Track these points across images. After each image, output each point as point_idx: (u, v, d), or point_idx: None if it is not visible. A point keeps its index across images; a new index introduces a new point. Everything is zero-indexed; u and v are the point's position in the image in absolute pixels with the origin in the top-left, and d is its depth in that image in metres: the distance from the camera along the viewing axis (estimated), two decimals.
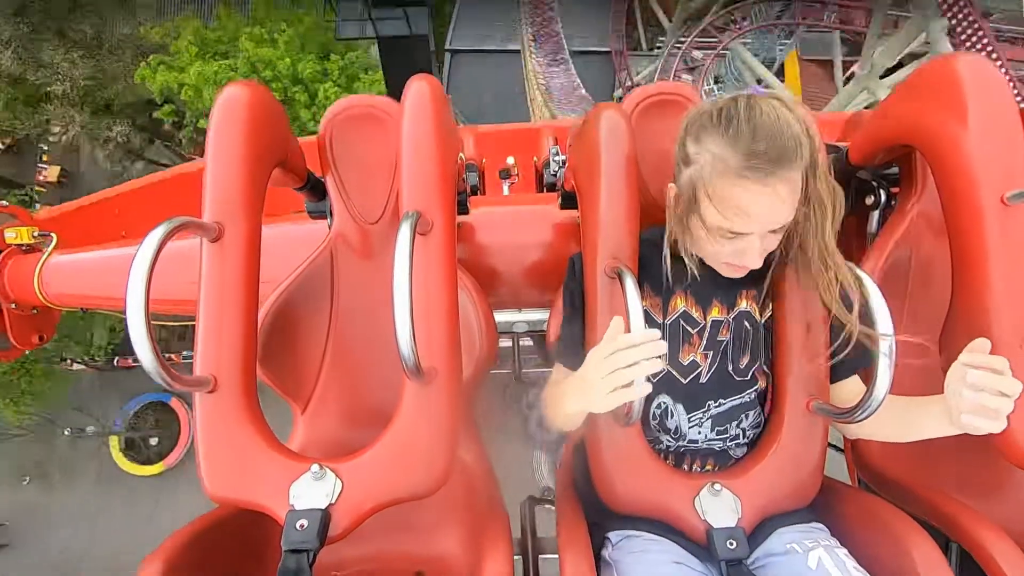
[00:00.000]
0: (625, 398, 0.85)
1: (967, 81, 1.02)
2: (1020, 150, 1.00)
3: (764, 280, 1.08)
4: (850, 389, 1.10)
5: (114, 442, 13.50)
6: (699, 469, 1.12)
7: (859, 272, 0.98)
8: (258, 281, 1.09)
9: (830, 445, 1.15)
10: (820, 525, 1.06)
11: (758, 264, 0.97)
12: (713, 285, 1.09)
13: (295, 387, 1.36)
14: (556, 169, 2.00)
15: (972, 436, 0.89)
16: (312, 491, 0.96)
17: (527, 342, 2.35)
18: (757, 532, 1.03)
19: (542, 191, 2.29)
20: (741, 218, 0.91)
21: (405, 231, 0.94)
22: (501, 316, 1.78)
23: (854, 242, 1.44)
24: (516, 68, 15.72)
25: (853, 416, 0.94)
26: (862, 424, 0.98)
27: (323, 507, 0.94)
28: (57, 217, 2.46)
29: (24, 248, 2.19)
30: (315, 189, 1.44)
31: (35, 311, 2.28)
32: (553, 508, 1.24)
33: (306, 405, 1.36)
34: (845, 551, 0.98)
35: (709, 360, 1.09)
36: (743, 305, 1.10)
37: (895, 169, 1.35)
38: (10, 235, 2.18)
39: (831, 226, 0.98)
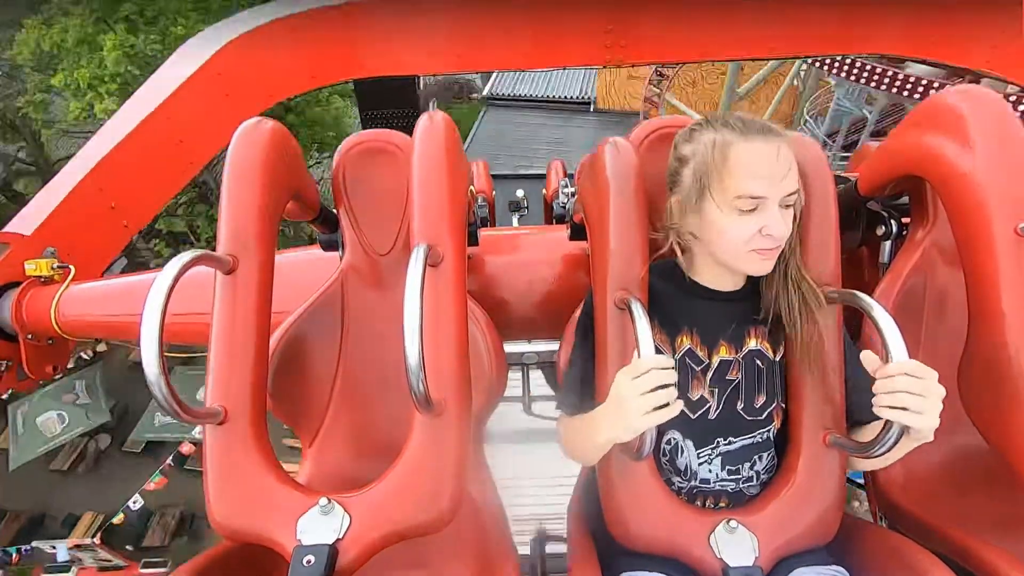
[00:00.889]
0: (662, 417, 0.84)
1: (975, 112, 1.02)
2: None
3: (775, 318, 1.07)
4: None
5: None
6: (712, 507, 1.09)
7: (867, 300, 0.97)
8: (270, 313, 1.10)
9: (851, 481, 1.12)
10: (840, 568, 1.02)
11: (785, 232, 0.95)
12: (719, 324, 1.08)
13: (303, 418, 1.35)
14: (565, 201, 2.03)
15: (1000, 470, 0.86)
16: (319, 526, 0.95)
17: (537, 373, 2.34)
18: (775, 572, 1.00)
19: (552, 223, 2.32)
20: (753, 179, 0.94)
21: (416, 263, 0.95)
22: (511, 347, 1.77)
23: (867, 273, 1.43)
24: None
25: (871, 451, 0.92)
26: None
27: (330, 542, 0.93)
28: (46, 227, 2.34)
29: (43, 280, 2.23)
30: (327, 221, 1.46)
31: (50, 342, 2.32)
32: (564, 544, 1.21)
33: (314, 436, 1.35)
34: None
35: (717, 396, 1.08)
36: (752, 344, 1.08)
37: (905, 199, 1.35)
38: (30, 267, 2.23)
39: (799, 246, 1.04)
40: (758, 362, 1.08)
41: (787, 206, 0.97)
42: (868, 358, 0.88)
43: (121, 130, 2.41)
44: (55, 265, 2.28)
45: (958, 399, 1.04)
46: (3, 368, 2.24)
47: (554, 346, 1.57)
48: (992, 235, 0.99)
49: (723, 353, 1.08)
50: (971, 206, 1.02)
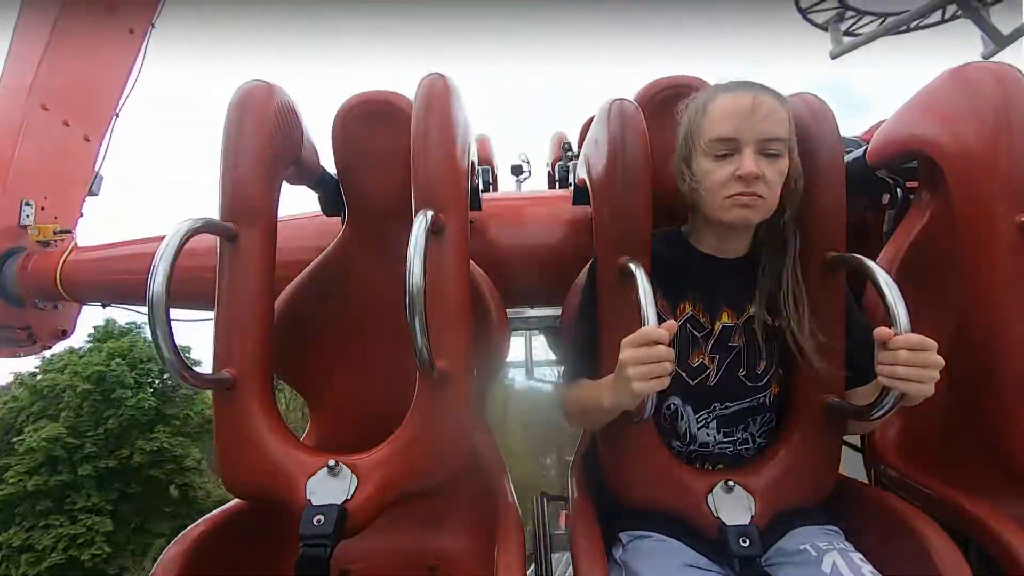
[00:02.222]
0: (659, 386, 0.86)
1: (989, 95, 0.99)
2: None
3: (774, 282, 1.07)
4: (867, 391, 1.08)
5: None
6: (711, 469, 1.11)
7: (871, 264, 0.97)
8: (274, 279, 1.10)
9: (846, 444, 1.14)
10: (835, 528, 1.05)
11: (758, 178, 0.96)
12: (722, 290, 1.09)
13: (308, 382, 1.37)
14: (568, 165, 2.00)
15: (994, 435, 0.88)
16: (328, 486, 0.98)
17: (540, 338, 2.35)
18: (771, 531, 1.02)
19: (555, 188, 2.29)
20: (725, 122, 0.98)
21: (418, 231, 0.94)
22: (514, 312, 1.78)
23: (872, 238, 1.42)
24: None
25: (870, 415, 0.93)
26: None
27: (339, 502, 0.96)
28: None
29: (46, 245, 2.23)
30: (328, 184, 1.45)
31: (57, 307, 2.34)
32: (566, 505, 1.24)
33: (320, 399, 1.37)
34: (860, 555, 0.96)
35: (717, 363, 1.08)
36: (753, 310, 1.08)
37: (914, 163, 1.32)
38: (33, 232, 2.23)
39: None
40: (756, 328, 1.08)
41: (769, 154, 0.97)
42: (880, 334, 0.88)
43: None
44: (57, 230, 2.28)
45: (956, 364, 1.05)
46: (12, 334, 2.26)
47: (556, 311, 1.57)
48: (994, 226, 0.99)
49: (725, 319, 1.08)
50: (976, 192, 1.01)
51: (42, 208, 2.30)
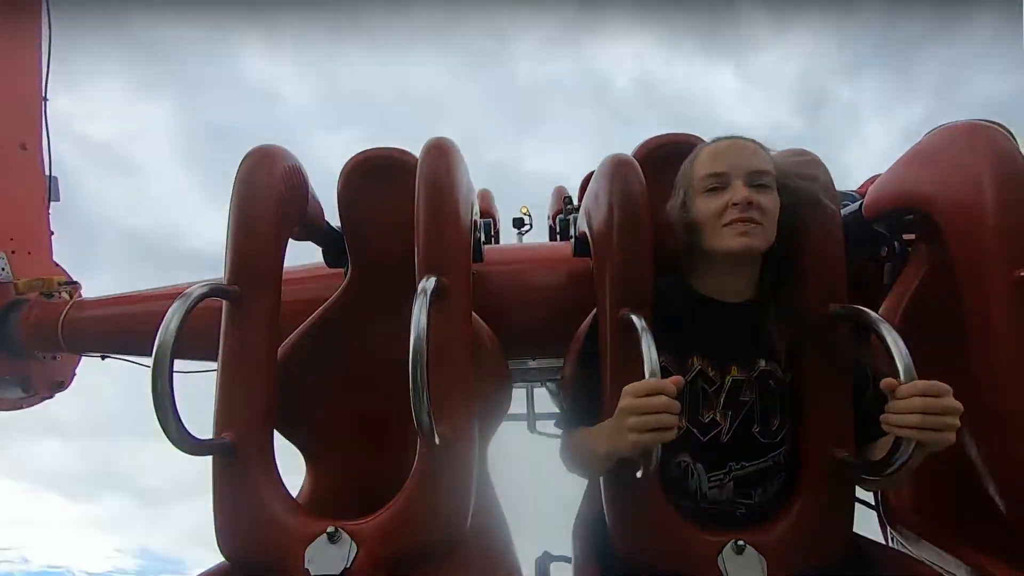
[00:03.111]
0: (657, 439, 0.84)
1: (983, 152, 1.02)
2: None
3: (781, 336, 1.07)
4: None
5: None
6: (724, 528, 1.07)
7: (872, 314, 0.97)
8: (277, 342, 1.11)
9: (859, 500, 1.10)
10: None
11: (748, 204, 1.00)
12: (729, 343, 1.08)
13: (305, 435, 1.34)
14: (568, 217, 2.03)
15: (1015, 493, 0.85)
16: (327, 555, 0.95)
17: (541, 391, 2.32)
18: None
19: (556, 240, 2.31)
20: (714, 161, 1.07)
21: (422, 297, 0.96)
22: (515, 364, 1.76)
23: (872, 292, 1.42)
24: None
25: (885, 470, 0.91)
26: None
27: (338, 572, 0.94)
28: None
29: (48, 296, 2.24)
30: (331, 237, 1.47)
31: (56, 358, 2.32)
32: (569, 564, 1.19)
33: (317, 455, 1.34)
34: None
35: (730, 420, 1.06)
36: (763, 364, 1.07)
37: (910, 216, 1.34)
38: (36, 284, 2.24)
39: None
40: (771, 382, 1.07)
41: (758, 185, 1.03)
42: (887, 384, 0.87)
43: None
44: (61, 281, 2.30)
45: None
46: (16, 384, 2.24)
47: (558, 362, 1.56)
48: (993, 280, 1.00)
49: (735, 373, 1.07)
50: (973, 248, 1.02)
51: (12, 252, 2.15)
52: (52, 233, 2.40)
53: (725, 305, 1.10)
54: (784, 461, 1.08)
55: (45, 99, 2.37)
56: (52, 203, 2.39)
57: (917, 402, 0.82)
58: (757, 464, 1.06)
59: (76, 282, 2.38)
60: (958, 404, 0.82)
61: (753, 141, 1.09)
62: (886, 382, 0.86)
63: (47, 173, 2.36)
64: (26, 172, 2.29)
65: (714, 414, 1.06)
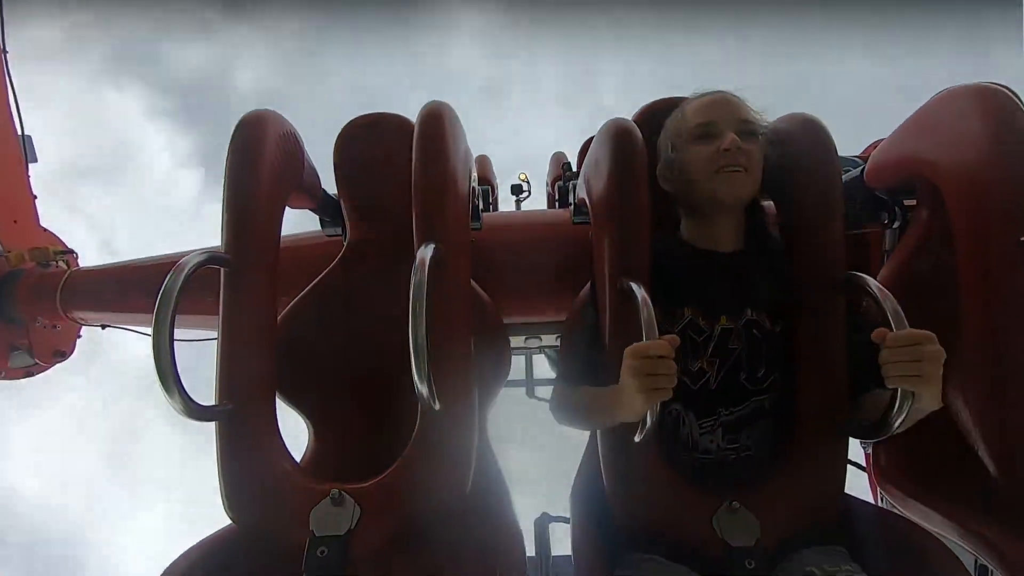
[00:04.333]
0: (663, 396, 0.86)
1: (986, 116, 1.00)
2: None
3: (775, 294, 1.09)
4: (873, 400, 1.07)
5: None
6: (717, 478, 1.10)
7: (870, 280, 0.97)
8: (276, 309, 1.11)
9: (850, 462, 1.13)
10: (842, 548, 1.03)
11: (740, 150, 1.03)
12: (722, 294, 1.09)
13: (308, 401, 1.36)
14: (567, 184, 2.01)
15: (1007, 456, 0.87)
16: (332, 517, 0.97)
17: (540, 357, 2.34)
18: (777, 552, 1.01)
19: (554, 207, 2.30)
20: (702, 112, 1.09)
21: (421, 264, 0.95)
22: (514, 330, 1.77)
23: (871, 258, 1.42)
24: None
25: (880, 431, 0.92)
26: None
27: (342, 533, 0.96)
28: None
29: (45, 266, 2.23)
30: (328, 204, 1.46)
31: (56, 327, 2.33)
32: (567, 525, 1.22)
33: (320, 419, 1.36)
34: None
35: (717, 367, 1.08)
36: (750, 314, 1.09)
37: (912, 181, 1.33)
38: (34, 254, 2.23)
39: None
40: (755, 332, 1.09)
41: (746, 133, 1.05)
42: (878, 334, 0.88)
43: None
44: (57, 251, 2.28)
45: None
46: (22, 353, 2.25)
47: (557, 328, 1.57)
48: (994, 246, 1.00)
49: (724, 322, 1.09)
50: (974, 213, 1.02)
51: None
52: (35, 197, 2.28)
53: (715, 255, 1.11)
54: (769, 407, 1.10)
55: (5, 51, 2.20)
56: (31, 164, 2.25)
57: (906, 351, 0.84)
58: (743, 409, 1.09)
59: (71, 250, 2.37)
60: (940, 349, 0.84)
61: (735, 94, 1.12)
62: (877, 332, 0.87)
63: (19, 132, 2.19)
64: None
65: (703, 363, 1.08)
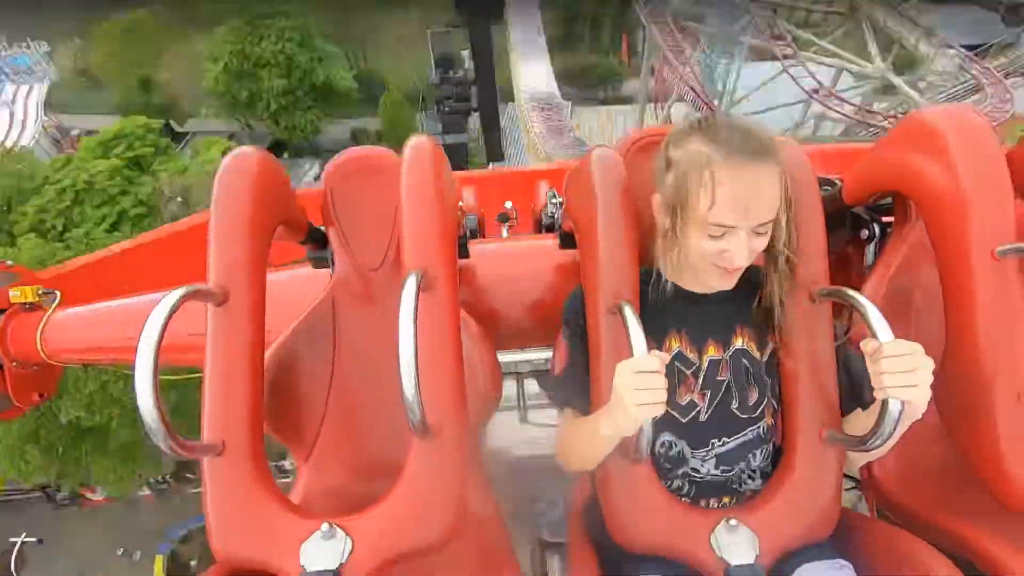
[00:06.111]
0: (656, 411, 0.87)
1: (956, 135, 1.05)
2: (1009, 204, 1.03)
3: (760, 317, 1.10)
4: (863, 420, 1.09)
5: (158, 563, 14.12)
6: (716, 506, 1.10)
7: (854, 294, 0.99)
8: (264, 342, 1.11)
9: (845, 476, 1.13)
10: (843, 561, 1.03)
11: (745, 262, 0.98)
12: (707, 325, 1.10)
13: (297, 436, 1.34)
14: (553, 211, 2.04)
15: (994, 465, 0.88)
16: (322, 551, 0.96)
17: (532, 382, 2.33)
18: (778, 569, 1.00)
19: (540, 233, 2.32)
20: (726, 210, 0.94)
21: (409, 291, 0.96)
22: (505, 357, 1.77)
23: (854, 273, 1.45)
24: None
25: (868, 443, 0.93)
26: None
27: (334, 568, 0.94)
28: (62, 275, 2.45)
29: (28, 306, 2.20)
30: (316, 238, 1.46)
31: (36, 368, 2.28)
32: (564, 550, 1.21)
33: (309, 453, 1.34)
34: None
35: (708, 399, 1.09)
36: (739, 343, 1.10)
37: (889, 199, 1.38)
38: (14, 294, 2.19)
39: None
40: (745, 361, 1.10)
41: (759, 233, 0.98)
42: (867, 345, 0.90)
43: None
44: (41, 291, 2.25)
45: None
46: None
47: (547, 353, 1.57)
48: (971, 258, 1.03)
49: (711, 353, 1.09)
50: (950, 229, 1.05)
51: None
52: None
53: (706, 297, 1.11)
54: (764, 434, 1.10)
55: None
56: None
57: (895, 362, 0.86)
58: (737, 439, 1.09)
59: (53, 292, 2.34)
60: (930, 360, 0.86)
61: (769, 162, 0.95)
62: (866, 344, 0.89)
63: None
64: None
65: (692, 395, 1.09)
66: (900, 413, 0.88)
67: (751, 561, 0.97)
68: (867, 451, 0.97)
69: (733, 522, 1.01)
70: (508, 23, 26.27)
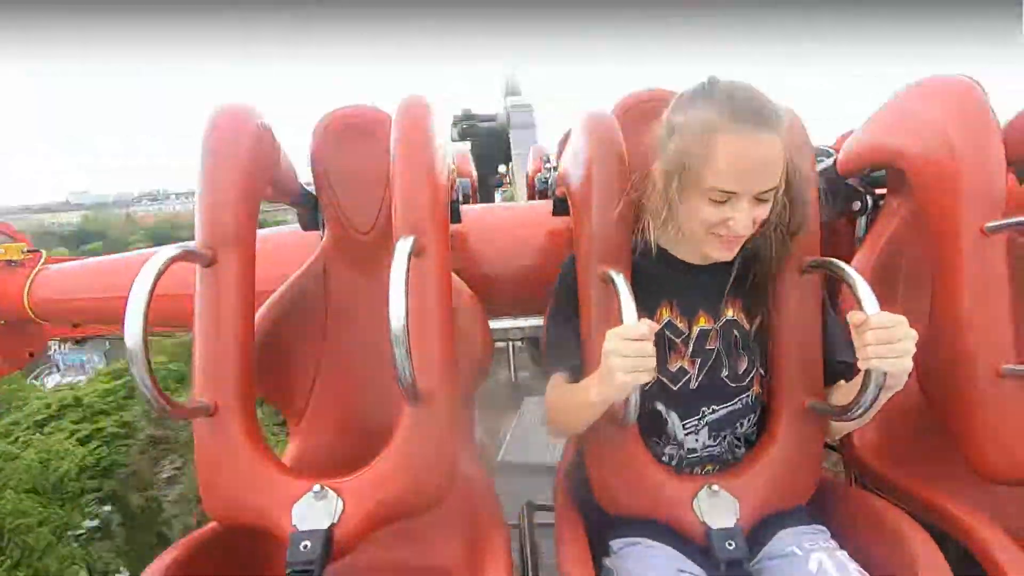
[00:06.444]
0: (644, 378, 0.87)
1: (953, 107, 1.03)
2: (1001, 179, 1.03)
3: (750, 288, 1.10)
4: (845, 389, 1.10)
5: None
6: (700, 472, 1.12)
7: (843, 266, 1.00)
8: (253, 303, 1.10)
9: (826, 445, 1.16)
10: (820, 527, 1.06)
11: (746, 231, 0.96)
12: (698, 295, 1.10)
13: (289, 398, 1.35)
14: (547, 176, 2.02)
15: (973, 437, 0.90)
16: (314, 511, 0.97)
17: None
18: (757, 533, 1.03)
19: (535, 199, 2.30)
20: (728, 177, 0.92)
21: (400, 256, 0.95)
22: (496, 323, 1.78)
23: (844, 245, 1.46)
24: None
25: (850, 413, 0.95)
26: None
27: (325, 527, 0.95)
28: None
29: (14, 263, 2.17)
30: (306, 200, 1.44)
31: (25, 328, 2.27)
32: (552, 512, 1.23)
33: (301, 416, 1.35)
34: (845, 553, 0.98)
35: (698, 367, 1.10)
36: (729, 314, 1.10)
37: (883, 171, 1.37)
38: None
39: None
40: (735, 331, 1.10)
41: (762, 200, 0.95)
42: (854, 317, 0.90)
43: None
44: (25, 249, 2.22)
45: None
46: None
47: (539, 320, 1.57)
48: (961, 233, 1.03)
49: (702, 323, 1.10)
50: (941, 203, 1.05)
51: None
52: None
53: (696, 267, 1.11)
54: (752, 403, 1.12)
55: None
56: None
57: (879, 333, 0.86)
58: (727, 407, 1.10)
59: (39, 250, 2.31)
60: (912, 331, 0.86)
61: (773, 130, 0.92)
62: (852, 315, 0.89)
63: None
64: None
65: (682, 362, 1.10)
66: (882, 383, 0.89)
67: (731, 525, 1.00)
68: (849, 420, 0.99)
69: (715, 487, 1.03)
70: None
